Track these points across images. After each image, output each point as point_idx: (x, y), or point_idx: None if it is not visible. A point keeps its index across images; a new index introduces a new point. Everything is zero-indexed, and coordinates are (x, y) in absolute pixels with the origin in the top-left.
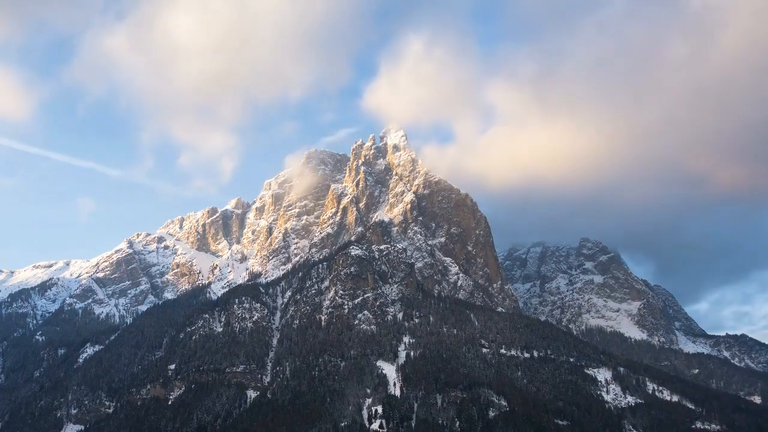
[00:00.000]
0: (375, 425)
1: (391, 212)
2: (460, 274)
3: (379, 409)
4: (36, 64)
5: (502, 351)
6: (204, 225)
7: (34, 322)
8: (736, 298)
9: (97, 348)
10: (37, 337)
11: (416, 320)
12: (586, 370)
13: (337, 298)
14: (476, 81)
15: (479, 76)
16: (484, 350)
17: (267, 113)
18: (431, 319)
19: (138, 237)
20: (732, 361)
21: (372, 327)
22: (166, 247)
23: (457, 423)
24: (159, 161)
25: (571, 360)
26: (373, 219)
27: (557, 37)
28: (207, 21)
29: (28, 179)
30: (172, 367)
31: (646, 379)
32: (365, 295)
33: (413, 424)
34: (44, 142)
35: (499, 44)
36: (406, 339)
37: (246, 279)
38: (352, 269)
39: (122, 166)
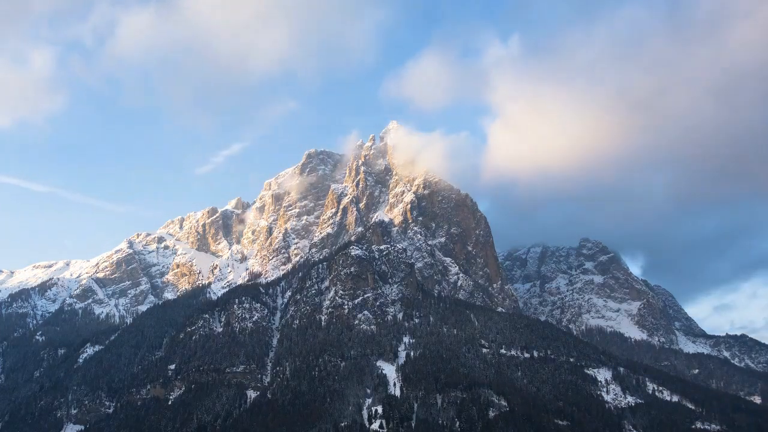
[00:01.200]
0: (375, 425)
1: (391, 212)
2: (460, 274)
3: (379, 409)
4: (58, 56)
5: (502, 351)
6: (204, 225)
7: (34, 322)
8: (738, 298)
9: (97, 348)
10: (37, 337)
11: (416, 320)
12: (586, 370)
13: (337, 298)
14: (484, 77)
15: (486, 72)
16: (484, 350)
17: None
18: (431, 319)
19: (138, 237)
20: (732, 362)
21: (372, 327)
22: (166, 247)
23: (457, 423)
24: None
25: (571, 360)
26: (373, 219)
27: (567, 36)
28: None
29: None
30: (172, 367)
31: (646, 379)
32: (365, 295)
33: (413, 424)
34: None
35: (507, 42)
36: (406, 339)
37: (246, 279)
38: (352, 269)
39: (138, 164)
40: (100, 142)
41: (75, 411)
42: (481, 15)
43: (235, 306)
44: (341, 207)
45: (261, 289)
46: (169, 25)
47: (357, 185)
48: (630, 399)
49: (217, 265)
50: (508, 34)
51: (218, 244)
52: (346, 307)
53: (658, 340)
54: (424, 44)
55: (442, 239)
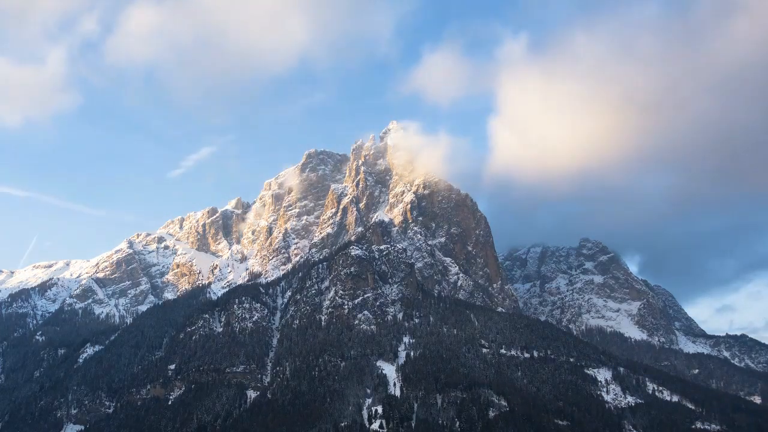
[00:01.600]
0: (375, 425)
1: (391, 212)
2: (460, 274)
3: (379, 409)
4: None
5: (502, 351)
6: (204, 225)
7: (34, 322)
8: (738, 299)
9: (97, 348)
10: (37, 337)
11: (416, 320)
12: (586, 370)
13: (337, 298)
14: (490, 76)
15: (493, 70)
16: (484, 350)
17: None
18: (431, 319)
19: (138, 237)
20: (732, 361)
21: (372, 327)
22: (166, 247)
23: (457, 423)
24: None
25: (571, 360)
26: (373, 219)
27: (572, 36)
28: None
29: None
30: (172, 367)
31: (646, 379)
32: (365, 295)
33: (413, 424)
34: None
35: (516, 40)
36: (406, 339)
37: (246, 279)
38: (352, 269)
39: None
40: (102, 144)
41: (75, 411)
42: (492, 12)
43: (235, 306)
44: (341, 207)
45: (261, 289)
46: (177, 19)
47: (357, 185)
48: (630, 399)
49: (217, 265)
50: (518, 32)
51: (218, 244)
52: (346, 307)
53: (658, 340)
54: (434, 41)
55: (442, 239)
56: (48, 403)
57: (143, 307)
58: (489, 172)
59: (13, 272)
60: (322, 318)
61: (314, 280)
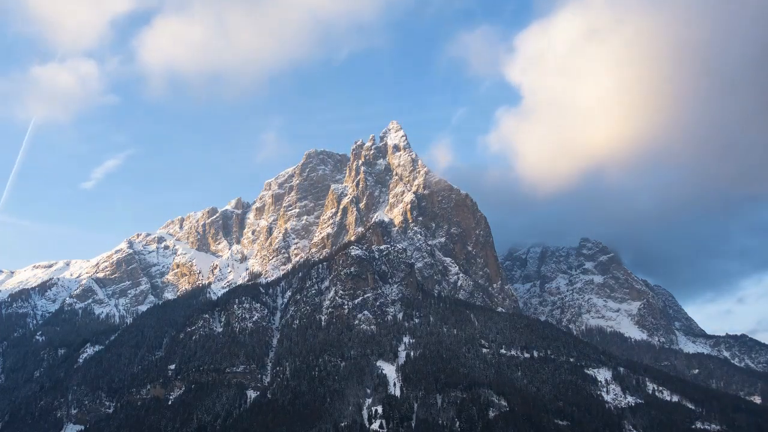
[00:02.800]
0: (375, 425)
1: (391, 212)
2: (460, 274)
3: (379, 409)
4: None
5: (502, 351)
6: (204, 225)
7: (34, 322)
8: (738, 299)
9: (97, 348)
10: (37, 337)
11: (416, 320)
12: (586, 370)
13: (337, 298)
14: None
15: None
16: (484, 350)
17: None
18: (431, 319)
19: (138, 237)
20: (732, 361)
21: (372, 327)
22: (166, 247)
23: (457, 423)
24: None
25: (571, 360)
26: (373, 219)
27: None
28: None
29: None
30: (172, 367)
31: (646, 379)
32: (365, 295)
33: (413, 424)
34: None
35: (517, 33)
36: (406, 339)
37: (246, 279)
38: (352, 269)
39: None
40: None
41: (75, 411)
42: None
43: (235, 306)
44: (341, 207)
45: (261, 289)
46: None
47: (357, 185)
48: (630, 399)
49: (217, 265)
50: (519, 22)
51: (218, 244)
52: (346, 307)
53: (658, 340)
54: (457, 28)
55: (442, 239)
56: (48, 403)
57: (143, 307)
58: (490, 172)
59: (13, 272)
60: (322, 318)
61: (314, 280)
